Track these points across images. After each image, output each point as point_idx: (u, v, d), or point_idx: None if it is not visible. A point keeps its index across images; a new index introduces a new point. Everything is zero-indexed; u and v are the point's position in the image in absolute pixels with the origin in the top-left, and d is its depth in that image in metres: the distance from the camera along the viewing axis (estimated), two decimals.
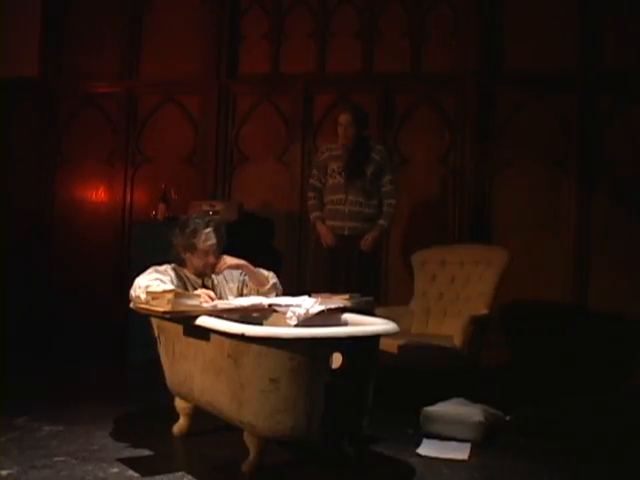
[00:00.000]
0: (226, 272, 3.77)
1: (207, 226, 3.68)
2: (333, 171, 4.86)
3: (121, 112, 6.37)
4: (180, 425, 3.63)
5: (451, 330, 4.46)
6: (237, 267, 3.74)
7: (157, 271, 3.56)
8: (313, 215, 4.96)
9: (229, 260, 3.69)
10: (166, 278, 3.52)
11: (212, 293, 3.52)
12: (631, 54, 5.51)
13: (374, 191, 4.84)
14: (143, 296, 3.34)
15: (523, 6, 5.77)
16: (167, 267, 3.65)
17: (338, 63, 6.04)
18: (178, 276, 3.66)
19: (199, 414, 3.52)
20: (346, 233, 4.80)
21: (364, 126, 4.88)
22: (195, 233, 3.65)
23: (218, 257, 3.68)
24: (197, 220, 3.73)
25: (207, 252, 3.66)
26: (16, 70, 6.33)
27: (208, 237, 3.65)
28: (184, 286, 3.62)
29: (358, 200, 4.79)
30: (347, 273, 4.79)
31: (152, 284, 3.38)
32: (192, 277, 3.71)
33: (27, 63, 6.44)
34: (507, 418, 3.97)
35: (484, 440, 3.61)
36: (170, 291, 3.22)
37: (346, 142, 4.82)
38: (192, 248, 3.66)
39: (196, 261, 3.68)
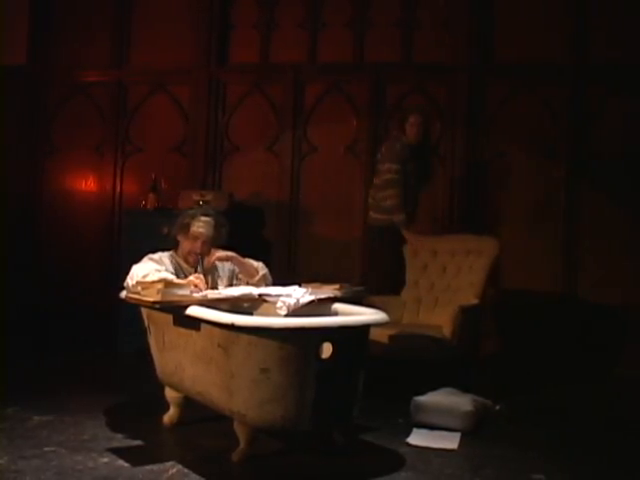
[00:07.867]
0: (217, 264, 3.81)
1: (207, 216, 3.78)
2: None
3: (111, 101, 6.32)
4: (170, 415, 3.64)
5: (441, 320, 4.46)
6: (226, 259, 3.78)
7: (152, 259, 3.63)
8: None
9: (218, 252, 3.73)
10: (162, 267, 3.57)
11: (202, 277, 3.55)
12: (621, 46, 5.50)
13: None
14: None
15: None
16: (161, 255, 3.72)
17: (329, 53, 6.01)
18: (172, 264, 3.71)
19: (189, 404, 3.53)
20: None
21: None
22: (193, 217, 3.76)
23: (207, 250, 3.73)
24: (201, 209, 3.96)
25: (197, 238, 3.72)
26: (4, 58, 6.25)
27: (203, 225, 3.74)
28: (177, 274, 3.63)
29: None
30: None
31: (150, 272, 3.42)
32: (185, 266, 3.75)
33: (15, 51, 6.37)
34: (497, 407, 3.99)
35: (474, 430, 3.63)
36: (160, 281, 3.22)
37: (415, 142, 4.95)
38: (185, 229, 3.74)
39: (185, 244, 3.75)
